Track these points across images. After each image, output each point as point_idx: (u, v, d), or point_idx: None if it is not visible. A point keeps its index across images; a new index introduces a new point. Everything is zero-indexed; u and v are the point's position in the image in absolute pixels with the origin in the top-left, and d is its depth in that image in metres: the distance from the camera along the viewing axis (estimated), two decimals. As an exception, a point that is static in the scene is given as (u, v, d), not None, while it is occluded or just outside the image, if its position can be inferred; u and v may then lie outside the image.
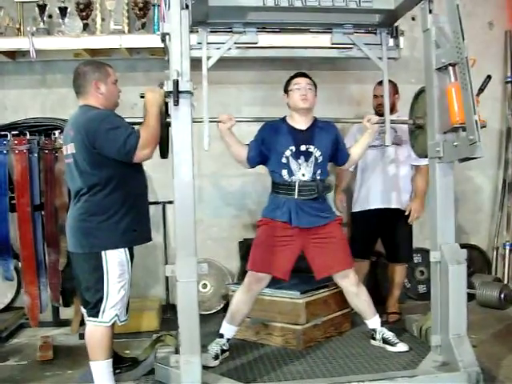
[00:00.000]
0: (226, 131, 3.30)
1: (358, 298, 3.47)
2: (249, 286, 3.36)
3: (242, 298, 3.36)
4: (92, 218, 2.76)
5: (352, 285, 3.44)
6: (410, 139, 3.59)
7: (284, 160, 3.36)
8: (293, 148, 3.36)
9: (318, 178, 3.38)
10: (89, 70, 2.89)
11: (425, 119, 3.28)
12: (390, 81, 3.93)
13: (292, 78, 3.49)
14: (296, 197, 3.34)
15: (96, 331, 2.79)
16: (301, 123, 3.44)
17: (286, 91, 3.49)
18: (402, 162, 4.08)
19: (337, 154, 3.52)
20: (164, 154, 3.07)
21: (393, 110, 4.07)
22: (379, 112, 4.10)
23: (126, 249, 2.83)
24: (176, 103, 2.62)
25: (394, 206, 4.07)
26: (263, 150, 3.41)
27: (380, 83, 4.08)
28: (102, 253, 2.75)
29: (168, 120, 2.91)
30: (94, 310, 2.78)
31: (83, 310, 3.02)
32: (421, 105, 3.39)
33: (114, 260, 2.77)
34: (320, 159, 3.39)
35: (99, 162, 2.74)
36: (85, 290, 2.84)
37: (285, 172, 3.37)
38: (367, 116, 3.53)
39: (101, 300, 2.76)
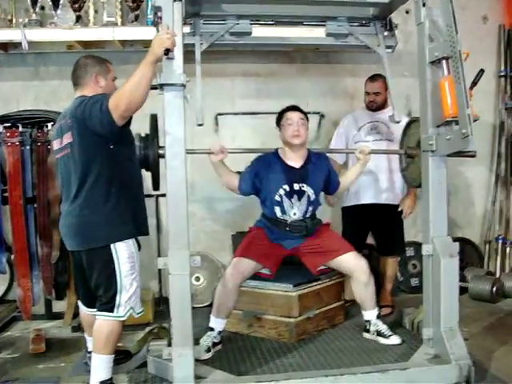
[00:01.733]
0: (218, 163, 3.31)
1: (367, 288, 3.46)
2: (229, 277, 3.33)
3: (223, 290, 3.34)
4: (96, 210, 2.70)
5: (364, 273, 3.43)
6: (400, 167, 3.68)
7: (277, 198, 3.42)
8: (286, 187, 3.42)
9: (309, 215, 3.48)
10: (90, 62, 2.88)
11: (416, 150, 3.35)
12: (381, 75, 3.97)
13: (284, 111, 3.51)
14: (285, 231, 3.45)
15: (108, 325, 2.74)
16: (294, 160, 3.48)
17: (279, 124, 3.52)
18: (394, 158, 4.08)
19: (328, 185, 3.60)
20: (156, 185, 3.13)
21: (384, 105, 4.10)
22: (371, 108, 4.13)
23: (134, 240, 2.80)
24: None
25: (385, 201, 4.09)
26: (256, 183, 3.45)
27: (371, 80, 4.11)
28: (112, 246, 2.71)
29: (160, 152, 2.93)
30: (109, 305, 2.73)
31: (83, 307, 3.02)
32: (413, 135, 3.46)
33: (124, 253, 2.73)
34: (313, 197, 3.47)
35: (96, 145, 2.68)
36: (95, 287, 2.79)
37: (277, 209, 3.45)
38: (359, 147, 3.57)
39: (115, 295, 2.72)
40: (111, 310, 2.73)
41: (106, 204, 2.71)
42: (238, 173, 3.47)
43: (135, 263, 2.79)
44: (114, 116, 2.56)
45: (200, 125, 3.09)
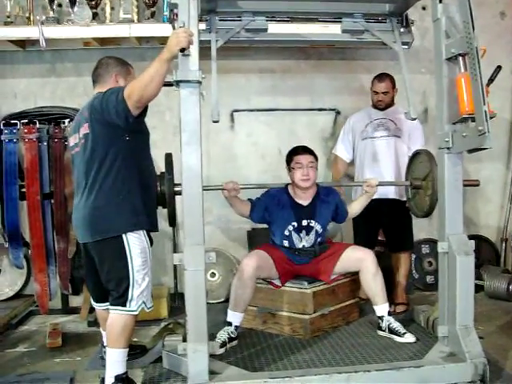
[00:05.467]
0: (231, 197, 3.46)
1: (375, 279, 3.50)
2: (243, 267, 3.39)
3: (238, 283, 3.39)
4: (109, 201, 2.71)
5: (371, 263, 3.50)
6: (407, 197, 3.72)
7: (286, 233, 3.60)
8: (295, 224, 3.58)
9: (317, 243, 3.63)
10: (112, 62, 2.93)
11: (422, 182, 3.42)
12: (388, 75, 3.97)
13: (294, 153, 3.62)
14: (295, 256, 3.63)
15: (121, 320, 2.75)
16: (303, 198, 3.63)
17: (288, 165, 3.63)
18: (402, 154, 4.08)
19: (336, 217, 3.74)
20: (172, 222, 3.17)
21: (391, 104, 4.10)
22: (379, 107, 4.13)
23: (145, 233, 2.80)
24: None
25: (393, 196, 4.08)
26: (265, 216, 3.63)
27: (379, 80, 4.11)
28: (124, 238, 2.71)
29: (176, 189, 2.97)
30: (121, 300, 2.74)
31: (95, 304, 3.04)
32: (418, 166, 3.50)
33: (136, 247, 2.74)
34: (320, 231, 3.63)
35: (112, 136, 2.70)
36: (106, 280, 2.80)
37: (286, 242, 3.62)
38: (367, 181, 3.66)
39: (127, 288, 2.73)
40: (124, 305, 2.74)
41: (118, 195, 2.73)
42: (250, 200, 3.62)
43: (147, 258, 2.80)
44: (129, 104, 2.58)
45: (216, 121, 3.09)
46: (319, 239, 3.63)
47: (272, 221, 3.64)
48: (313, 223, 3.59)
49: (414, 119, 3.52)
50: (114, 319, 2.77)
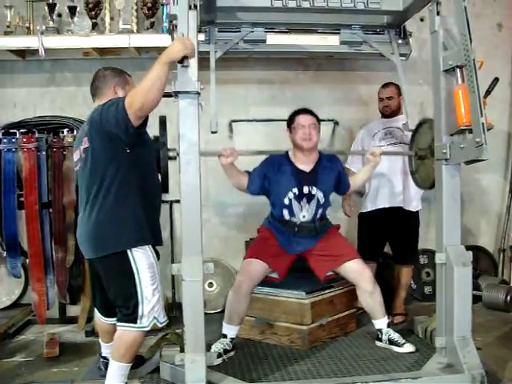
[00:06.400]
0: (228, 165, 3.31)
1: (372, 297, 3.45)
2: (239, 284, 3.36)
3: (234, 297, 3.37)
4: (110, 217, 2.67)
5: (368, 283, 3.43)
6: (410, 168, 3.67)
7: (286, 201, 3.42)
8: (296, 191, 3.41)
9: (318, 217, 3.47)
10: (109, 73, 2.89)
11: (427, 151, 3.34)
12: (393, 83, 3.98)
13: (295, 114, 3.49)
14: (294, 233, 3.45)
15: (130, 336, 2.70)
16: (305, 163, 3.47)
17: (289, 127, 3.49)
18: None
19: (339, 186, 3.59)
20: (166, 188, 3.12)
21: (398, 112, 4.11)
22: (385, 114, 4.14)
23: (151, 248, 2.75)
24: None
25: (400, 204, 4.06)
26: (265, 185, 3.45)
27: (384, 86, 4.13)
28: (129, 253, 2.66)
29: (171, 154, 2.96)
30: (132, 317, 2.69)
31: (100, 316, 3.00)
32: (422, 136, 3.44)
33: (144, 262, 2.69)
34: (322, 200, 3.45)
35: (112, 149, 2.65)
36: (114, 297, 2.75)
37: (286, 212, 3.44)
38: (371, 149, 3.59)
39: (137, 305, 2.68)
40: (134, 322, 2.69)
41: (120, 210, 2.67)
42: (248, 172, 3.47)
43: (155, 273, 2.74)
44: (129, 113, 2.52)
45: (214, 132, 3.10)
46: (320, 211, 3.47)
47: (271, 189, 3.45)
48: (314, 190, 3.41)
49: (404, 142, 3.55)
50: (124, 335, 2.72)
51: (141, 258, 2.69)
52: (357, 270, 3.44)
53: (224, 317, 3.43)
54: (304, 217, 3.44)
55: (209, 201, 4.59)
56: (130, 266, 2.67)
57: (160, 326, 2.79)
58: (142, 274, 2.68)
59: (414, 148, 3.57)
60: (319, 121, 3.50)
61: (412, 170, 3.66)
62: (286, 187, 3.42)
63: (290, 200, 3.41)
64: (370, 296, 3.45)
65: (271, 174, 3.44)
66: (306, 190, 3.42)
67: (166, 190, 3.15)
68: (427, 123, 3.39)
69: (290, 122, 3.49)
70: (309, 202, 3.43)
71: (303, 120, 3.43)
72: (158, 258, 2.85)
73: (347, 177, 3.63)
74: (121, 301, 2.73)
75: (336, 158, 3.62)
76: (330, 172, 3.51)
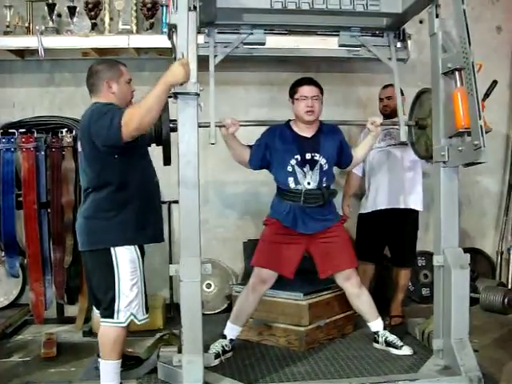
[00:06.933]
0: (229, 135, 3.28)
1: (360, 299, 3.47)
2: (253, 287, 3.38)
3: (247, 299, 3.38)
4: (99, 214, 2.74)
5: (354, 286, 3.45)
6: (410, 139, 3.58)
7: (289, 168, 3.35)
8: (298, 157, 3.34)
9: (324, 185, 3.38)
10: (101, 68, 2.88)
11: (427, 120, 3.30)
12: (393, 85, 3.96)
13: (298, 84, 3.42)
14: (302, 204, 3.34)
15: (110, 331, 2.75)
16: (306, 131, 3.42)
17: (292, 97, 3.43)
18: (409, 162, 4.07)
19: (341, 157, 3.51)
20: (167, 160, 3.08)
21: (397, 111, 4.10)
22: (385, 113, 4.14)
23: (136, 246, 2.80)
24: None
25: (400, 205, 4.05)
26: (266, 156, 3.40)
27: (383, 87, 4.13)
28: (112, 249, 2.72)
29: (172, 125, 2.93)
30: (109, 311, 2.74)
31: (96, 311, 3.02)
32: (423, 105, 3.40)
33: (125, 257, 2.73)
34: (325, 167, 3.38)
35: (101, 156, 2.70)
36: (96, 289, 2.84)
37: (291, 180, 3.36)
38: (371, 118, 3.50)
39: (113, 299, 2.72)
40: (111, 316, 2.74)
41: (110, 210, 2.74)
42: (250, 147, 3.44)
43: (137, 269, 2.78)
44: (124, 131, 2.55)
45: (213, 143, 3.12)
46: (325, 179, 3.37)
47: (273, 159, 3.39)
48: (317, 156, 3.34)
49: (404, 143, 3.53)
50: (105, 331, 2.77)
51: (123, 253, 2.74)
52: (343, 275, 3.45)
53: (230, 316, 3.43)
54: (309, 184, 3.35)
55: (207, 202, 4.59)
56: (111, 260, 2.73)
57: (138, 323, 2.81)
58: (122, 267, 2.73)
59: (413, 118, 3.52)
60: (322, 91, 3.43)
61: (412, 141, 3.60)
62: (287, 154, 3.36)
63: (293, 167, 3.34)
64: (357, 299, 3.47)
65: (272, 143, 3.39)
66: (308, 156, 3.35)
67: (168, 163, 3.12)
68: (427, 92, 3.33)
69: (293, 92, 3.43)
70: (312, 168, 3.35)
71: (306, 91, 3.36)
72: (143, 255, 2.88)
73: (350, 148, 3.56)
74: (101, 294, 2.80)
75: (337, 129, 3.57)
76: (332, 140, 3.45)
